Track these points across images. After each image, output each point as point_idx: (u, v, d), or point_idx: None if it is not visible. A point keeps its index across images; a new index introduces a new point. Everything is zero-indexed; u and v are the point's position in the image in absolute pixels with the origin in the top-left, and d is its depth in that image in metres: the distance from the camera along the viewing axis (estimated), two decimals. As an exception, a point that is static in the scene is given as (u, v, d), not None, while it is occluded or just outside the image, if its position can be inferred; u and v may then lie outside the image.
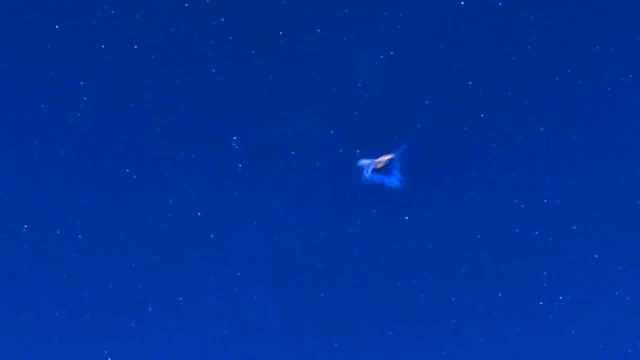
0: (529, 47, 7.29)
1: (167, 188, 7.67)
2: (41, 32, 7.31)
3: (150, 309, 7.83)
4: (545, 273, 7.70)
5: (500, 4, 7.21)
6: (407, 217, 7.68)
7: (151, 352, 7.86)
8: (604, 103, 7.41)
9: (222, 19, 7.32)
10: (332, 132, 7.55)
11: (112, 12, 7.25)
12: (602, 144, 7.49)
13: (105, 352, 7.82)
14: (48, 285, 7.82)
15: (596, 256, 7.67)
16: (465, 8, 7.24)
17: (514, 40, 7.32)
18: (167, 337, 7.87)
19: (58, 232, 7.70)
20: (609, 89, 7.35)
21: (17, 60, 7.42)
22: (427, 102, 7.42)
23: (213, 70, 7.43)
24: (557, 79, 7.38)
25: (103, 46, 7.35)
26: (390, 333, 7.83)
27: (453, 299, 7.77)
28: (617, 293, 7.68)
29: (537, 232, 7.64)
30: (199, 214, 7.74)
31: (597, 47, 7.28)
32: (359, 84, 7.42)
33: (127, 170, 7.61)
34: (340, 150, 7.53)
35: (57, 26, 7.29)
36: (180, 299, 7.83)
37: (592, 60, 7.32)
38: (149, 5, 7.31)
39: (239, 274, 7.81)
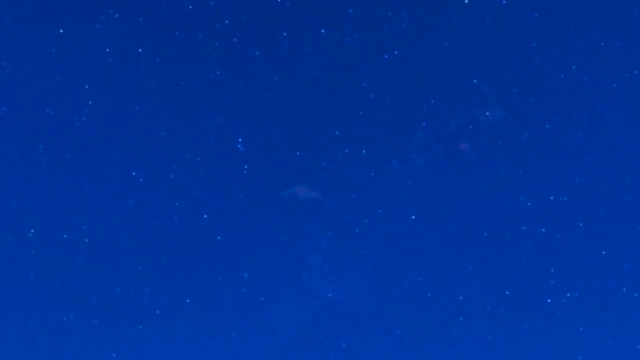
0: (533, 45, 7.30)
1: (173, 190, 7.68)
2: (45, 36, 7.33)
3: (157, 312, 7.84)
4: (552, 270, 7.71)
5: (504, 1, 7.22)
6: (413, 217, 7.69)
7: (159, 354, 7.86)
8: (609, 99, 7.41)
9: (226, 21, 7.33)
10: (337, 132, 7.56)
11: (116, 15, 7.26)
12: (608, 140, 7.49)
13: (114, 355, 7.83)
14: (55, 289, 7.83)
15: (603, 253, 7.68)
16: (468, 6, 7.25)
17: (518, 37, 7.33)
18: (174, 340, 7.87)
19: (65, 236, 7.71)
20: (614, 85, 7.37)
21: (21, 64, 7.43)
22: (432, 101, 7.44)
23: (218, 72, 7.45)
24: (562, 75, 7.39)
25: (107, 50, 7.37)
26: (397, 332, 7.84)
27: (460, 298, 7.78)
28: (624, 289, 7.69)
29: (544, 229, 7.64)
30: (205, 216, 7.75)
31: (602, 44, 7.29)
32: (364, 84, 7.43)
33: (133, 174, 7.62)
34: (346, 150, 7.56)
35: (61, 30, 7.30)
36: (188, 300, 7.84)
37: (597, 57, 7.33)
38: (153, 8, 7.31)
39: (245, 275, 7.82)
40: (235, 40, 7.36)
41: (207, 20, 7.34)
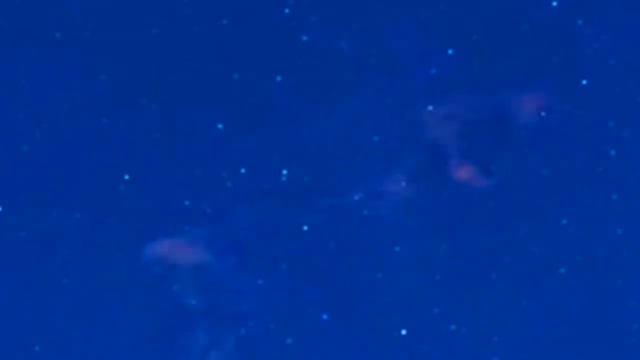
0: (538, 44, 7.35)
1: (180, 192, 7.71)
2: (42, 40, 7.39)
3: (166, 313, 7.87)
4: (566, 271, 7.61)
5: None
6: (423, 220, 7.66)
7: (172, 356, 7.90)
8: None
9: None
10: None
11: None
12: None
13: (130, 354, 7.87)
14: (62, 291, 7.84)
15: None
16: (472, 5, 7.32)
17: (522, 35, 7.39)
18: (188, 341, 7.92)
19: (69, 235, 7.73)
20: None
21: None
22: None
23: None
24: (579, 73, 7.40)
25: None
26: (408, 332, 7.85)
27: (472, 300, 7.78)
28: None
29: (565, 221, 7.43)
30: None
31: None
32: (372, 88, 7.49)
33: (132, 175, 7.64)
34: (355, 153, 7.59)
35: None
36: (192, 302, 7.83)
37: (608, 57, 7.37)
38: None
39: (259, 281, 7.82)
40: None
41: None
